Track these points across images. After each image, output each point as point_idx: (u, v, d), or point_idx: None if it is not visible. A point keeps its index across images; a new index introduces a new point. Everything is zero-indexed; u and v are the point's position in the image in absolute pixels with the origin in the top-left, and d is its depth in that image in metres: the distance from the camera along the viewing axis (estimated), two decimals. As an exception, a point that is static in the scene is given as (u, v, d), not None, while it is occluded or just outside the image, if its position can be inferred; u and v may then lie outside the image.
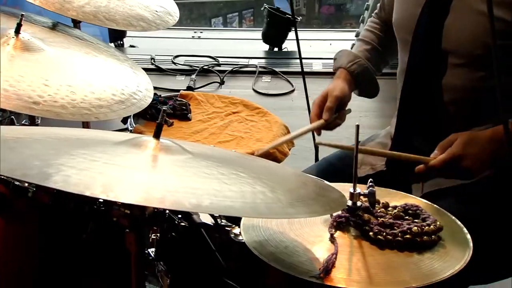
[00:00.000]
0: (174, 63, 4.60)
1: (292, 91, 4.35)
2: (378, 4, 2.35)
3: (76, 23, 2.25)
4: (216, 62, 4.60)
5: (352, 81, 2.21)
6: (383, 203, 1.56)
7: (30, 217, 1.60)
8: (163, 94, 2.68)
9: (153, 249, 1.66)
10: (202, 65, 4.54)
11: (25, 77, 1.65)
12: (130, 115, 2.39)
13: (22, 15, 1.81)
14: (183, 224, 1.60)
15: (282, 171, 1.63)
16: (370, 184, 1.52)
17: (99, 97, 1.73)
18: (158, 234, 1.65)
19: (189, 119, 2.47)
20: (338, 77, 2.22)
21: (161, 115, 1.36)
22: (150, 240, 1.67)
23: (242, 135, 2.33)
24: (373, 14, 2.38)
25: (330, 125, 2.14)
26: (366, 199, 1.51)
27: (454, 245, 1.48)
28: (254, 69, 4.48)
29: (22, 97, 1.58)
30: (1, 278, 1.64)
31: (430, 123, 2.05)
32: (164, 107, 2.44)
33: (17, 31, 1.77)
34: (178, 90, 2.91)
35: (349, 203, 1.49)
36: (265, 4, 5.29)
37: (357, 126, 1.50)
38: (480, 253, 1.49)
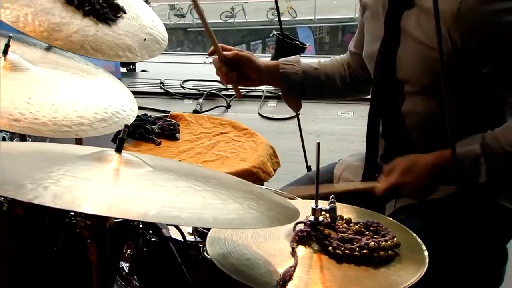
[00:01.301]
0: (183, 87, 4.65)
1: (297, 115, 4.38)
2: (351, 42, 2.39)
3: None
4: (223, 87, 4.64)
5: (275, 73, 2.26)
6: (345, 218, 1.59)
7: (3, 228, 1.64)
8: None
9: (127, 264, 1.72)
10: (209, 90, 4.59)
11: (8, 95, 1.70)
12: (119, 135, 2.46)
13: (10, 36, 1.87)
14: (153, 239, 1.65)
15: (242, 185, 1.65)
16: (332, 200, 1.55)
17: (81, 115, 1.77)
18: (132, 250, 1.70)
19: (177, 139, 2.51)
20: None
21: (122, 130, 1.41)
22: (126, 255, 1.73)
23: (228, 155, 2.36)
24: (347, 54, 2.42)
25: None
26: (327, 214, 1.55)
27: (411, 261, 1.51)
28: (260, 93, 4.51)
29: (4, 114, 1.62)
30: None
31: (395, 147, 2.09)
32: (153, 127, 2.52)
33: (5, 52, 1.82)
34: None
35: (311, 218, 1.52)
36: (274, 31, 5.33)
37: (318, 144, 1.54)
38: (438, 268, 1.53)
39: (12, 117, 1.64)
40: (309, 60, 2.44)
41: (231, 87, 2.29)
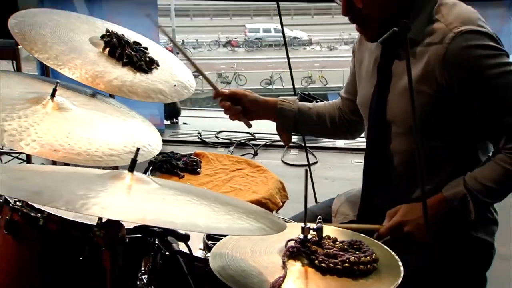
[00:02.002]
0: (217, 137, 4.69)
1: (316, 162, 4.39)
2: (342, 89, 2.38)
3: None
4: (252, 137, 4.66)
5: (273, 110, 2.27)
6: (332, 237, 1.59)
7: (36, 240, 1.65)
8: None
9: (146, 276, 1.72)
10: (240, 139, 4.62)
11: (51, 130, 1.72)
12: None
13: (57, 82, 1.90)
14: (167, 253, 1.65)
15: (238, 203, 1.67)
16: (319, 221, 1.55)
17: (111, 147, 1.79)
18: (151, 263, 1.70)
19: (198, 173, 2.52)
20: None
21: (135, 152, 1.43)
22: (146, 269, 1.74)
23: (241, 188, 2.36)
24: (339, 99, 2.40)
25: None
26: (315, 233, 1.54)
27: (387, 274, 1.50)
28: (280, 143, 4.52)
29: (45, 146, 1.65)
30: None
31: (386, 182, 2.07)
32: (178, 162, 2.54)
33: (52, 95, 1.85)
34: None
35: (301, 236, 1.52)
36: (298, 91, 5.38)
37: (306, 171, 1.55)
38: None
39: (53, 147, 1.65)
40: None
41: (241, 121, 2.28)
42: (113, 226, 1.36)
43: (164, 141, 2.75)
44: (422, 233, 1.90)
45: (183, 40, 26.47)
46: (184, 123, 5.07)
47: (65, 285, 1.62)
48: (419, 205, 1.90)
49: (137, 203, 1.36)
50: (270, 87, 25.45)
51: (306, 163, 4.24)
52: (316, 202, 2.90)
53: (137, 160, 1.44)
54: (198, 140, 4.62)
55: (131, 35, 2.30)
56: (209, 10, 27.94)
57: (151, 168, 2.46)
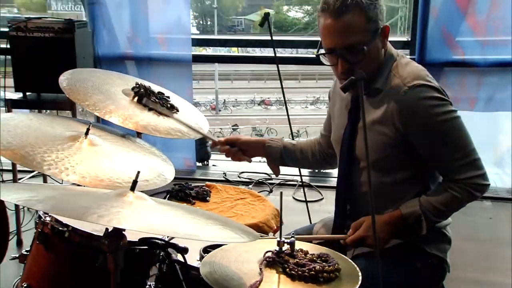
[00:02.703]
0: (239, 177, 4.72)
1: (321, 199, 4.39)
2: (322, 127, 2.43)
3: (139, 133, 2.37)
4: (268, 177, 4.69)
5: (262, 148, 2.32)
6: (304, 250, 1.63)
7: (62, 249, 1.70)
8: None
9: (153, 282, 1.77)
10: (258, 179, 4.66)
11: (83, 161, 1.78)
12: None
13: (90, 123, 1.98)
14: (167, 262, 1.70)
15: (220, 218, 1.72)
16: (292, 236, 1.60)
17: (131, 176, 1.83)
18: (158, 271, 1.76)
19: (207, 201, 2.57)
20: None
21: (136, 174, 1.49)
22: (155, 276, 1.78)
23: (243, 213, 2.40)
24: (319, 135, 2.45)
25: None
26: (289, 246, 1.59)
27: (347, 282, 1.54)
28: (295, 182, 4.53)
29: (76, 173, 1.70)
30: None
31: (355, 208, 2.11)
32: (190, 191, 2.59)
33: (86, 133, 1.93)
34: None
35: (277, 248, 1.57)
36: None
37: (281, 193, 1.60)
38: None
39: (82, 175, 1.71)
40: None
41: (242, 160, 2.35)
42: (116, 235, 1.43)
43: (195, 179, 2.83)
44: (383, 244, 1.95)
45: (224, 100, 26.72)
46: (213, 165, 5.12)
47: (86, 286, 1.67)
48: (379, 219, 1.95)
49: (137, 214, 1.42)
50: (297, 139, 25.32)
51: (313, 199, 4.29)
52: (310, 223, 2.94)
53: (137, 181, 1.51)
54: (223, 179, 4.66)
55: (157, 87, 2.39)
56: (246, 74, 28.22)
57: (168, 195, 2.53)
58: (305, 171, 4.85)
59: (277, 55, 3.33)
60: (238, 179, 4.70)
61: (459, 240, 3.67)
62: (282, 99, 3.33)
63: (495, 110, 4.40)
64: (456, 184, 1.92)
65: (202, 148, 5.02)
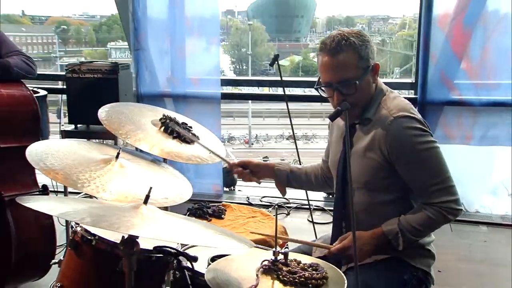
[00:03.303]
0: (261, 201, 4.70)
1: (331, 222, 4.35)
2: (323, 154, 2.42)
3: (165, 159, 2.39)
4: (287, 201, 4.66)
5: (271, 170, 2.32)
6: (297, 260, 1.63)
7: (89, 255, 1.74)
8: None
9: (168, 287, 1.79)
10: (277, 203, 4.64)
11: (111, 180, 1.82)
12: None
13: (120, 148, 2.02)
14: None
15: (222, 230, 1.74)
16: (286, 246, 1.61)
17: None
18: (172, 277, 1.77)
19: (222, 219, 2.57)
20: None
21: (148, 190, 1.52)
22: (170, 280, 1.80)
23: (252, 230, 2.40)
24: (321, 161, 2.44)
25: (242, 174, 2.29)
26: (283, 255, 1.60)
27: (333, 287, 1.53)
28: (309, 206, 4.48)
29: (105, 189, 1.74)
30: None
31: (349, 225, 2.09)
32: (208, 210, 2.61)
33: (117, 157, 1.97)
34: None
35: (273, 257, 1.58)
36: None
37: (276, 208, 1.61)
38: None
39: (110, 192, 1.74)
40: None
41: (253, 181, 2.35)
42: (130, 242, 1.46)
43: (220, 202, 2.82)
44: (361, 256, 1.96)
45: (256, 134, 26.85)
46: (239, 190, 5.12)
47: (107, 287, 1.70)
48: (364, 234, 1.96)
49: (145, 223, 1.46)
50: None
51: (325, 221, 4.26)
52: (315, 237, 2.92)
53: (150, 195, 1.54)
54: (246, 202, 4.65)
55: (182, 118, 2.44)
56: (276, 112, 28.33)
57: (188, 213, 2.55)
58: (320, 197, 4.82)
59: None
60: (260, 202, 4.68)
61: (454, 260, 3.65)
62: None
63: (489, 144, 4.35)
64: (432, 206, 1.92)
65: (229, 175, 5.03)
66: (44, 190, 2.87)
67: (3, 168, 2.72)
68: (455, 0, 4.26)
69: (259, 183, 2.34)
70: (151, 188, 1.56)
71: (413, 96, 4.52)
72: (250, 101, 24.42)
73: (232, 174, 5.01)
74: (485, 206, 4.52)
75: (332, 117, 1.77)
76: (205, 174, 4.85)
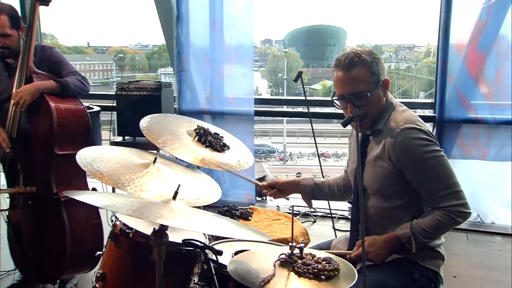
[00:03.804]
0: (289, 209, 4.67)
1: (356, 229, 4.29)
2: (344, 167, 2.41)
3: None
4: (314, 210, 4.62)
5: (298, 187, 2.32)
6: (312, 254, 1.63)
7: (127, 246, 1.79)
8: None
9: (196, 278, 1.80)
10: (305, 211, 4.61)
11: (148, 181, 1.86)
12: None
13: (157, 153, 2.07)
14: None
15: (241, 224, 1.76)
16: (301, 242, 1.61)
17: (183, 194, 1.89)
18: (200, 269, 1.79)
19: (249, 220, 2.59)
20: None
21: (177, 187, 1.55)
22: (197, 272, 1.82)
23: (276, 230, 2.41)
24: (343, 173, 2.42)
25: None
26: (298, 250, 1.60)
27: (344, 281, 1.53)
28: (334, 215, 4.46)
29: (142, 189, 1.78)
30: (113, 276, 1.81)
31: (365, 227, 2.06)
32: (236, 212, 2.62)
33: (154, 162, 2.01)
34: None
35: (289, 251, 1.59)
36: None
37: (292, 207, 1.62)
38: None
39: (147, 191, 1.78)
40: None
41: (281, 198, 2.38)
42: (160, 234, 1.49)
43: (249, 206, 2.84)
44: (379, 259, 1.94)
45: (290, 152, 26.80)
46: (270, 199, 5.10)
47: (144, 275, 1.72)
48: (379, 238, 1.94)
49: (172, 215, 1.48)
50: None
51: (348, 229, 4.20)
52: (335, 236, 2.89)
53: (178, 192, 1.57)
54: (275, 209, 4.64)
55: (214, 129, 2.47)
56: (309, 132, 28.29)
57: (218, 214, 2.56)
58: (344, 206, 4.77)
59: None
60: (289, 211, 4.66)
61: (469, 267, 3.56)
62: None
63: (503, 160, 4.25)
64: (441, 210, 1.89)
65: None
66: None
67: (60, 172, 2.81)
68: (471, 27, 4.21)
69: (288, 199, 2.36)
70: (179, 185, 1.60)
71: (432, 114, 4.46)
72: (285, 121, 24.48)
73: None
74: (500, 218, 4.40)
75: (345, 124, 1.78)
76: (239, 184, 4.88)
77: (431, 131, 1.95)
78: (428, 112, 4.63)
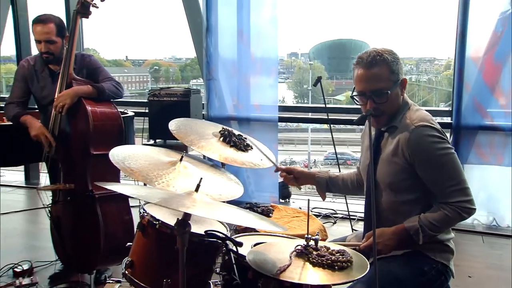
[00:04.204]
0: (311, 211, 4.65)
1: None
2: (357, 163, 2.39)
3: (223, 164, 2.43)
4: (334, 212, 4.60)
5: (313, 178, 2.30)
6: (327, 246, 1.63)
7: (153, 236, 1.81)
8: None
9: (218, 268, 1.81)
10: (325, 213, 4.57)
11: (175, 177, 1.89)
12: None
13: (184, 152, 2.09)
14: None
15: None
16: (316, 235, 1.61)
17: (207, 191, 1.91)
18: (222, 259, 1.80)
19: (270, 217, 2.58)
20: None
21: (199, 180, 1.57)
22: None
23: (295, 227, 2.40)
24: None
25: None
26: (313, 242, 1.60)
27: (356, 271, 1.53)
28: (354, 217, 4.42)
29: (169, 185, 1.81)
30: (141, 263, 1.83)
31: (378, 221, 2.04)
32: (258, 209, 2.61)
33: (180, 160, 2.04)
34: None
35: (304, 242, 1.59)
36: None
37: (308, 200, 1.62)
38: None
39: (173, 185, 1.81)
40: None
41: (294, 186, 2.36)
42: (183, 223, 1.51)
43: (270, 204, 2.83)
44: (387, 250, 1.93)
45: (315, 159, 26.64)
46: (293, 202, 5.09)
47: (169, 263, 1.74)
48: (387, 230, 1.93)
49: (199, 207, 1.50)
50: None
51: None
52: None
53: (200, 185, 1.59)
54: (299, 209, 4.61)
55: (237, 132, 2.48)
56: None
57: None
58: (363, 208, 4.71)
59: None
60: (311, 213, 4.63)
61: (485, 268, 3.48)
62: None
63: (518, 165, 4.16)
64: (449, 205, 1.87)
65: (285, 188, 5.04)
66: (126, 190, 2.99)
67: (95, 171, 2.86)
68: (487, 38, 4.15)
69: (300, 189, 2.34)
70: (201, 178, 1.62)
71: (449, 121, 4.41)
72: (310, 130, 24.37)
73: (288, 188, 5.03)
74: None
75: (358, 122, 1.78)
76: (264, 187, 4.89)
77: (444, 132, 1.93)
78: (446, 119, 4.56)
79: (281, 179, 2.39)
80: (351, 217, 4.24)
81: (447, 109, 4.82)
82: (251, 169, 4.86)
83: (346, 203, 3.38)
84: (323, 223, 4.25)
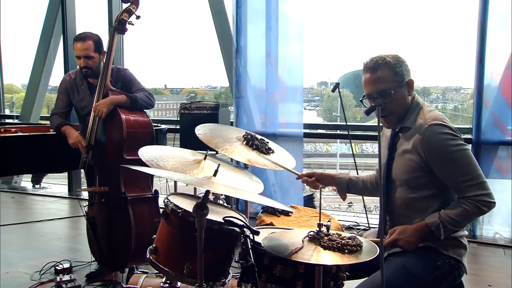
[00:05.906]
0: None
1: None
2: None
3: (246, 166, 2.46)
4: (356, 224, 4.52)
5: (334, 179, 2.27)
6: (338, 233, 1.63)
7: (176, 223, 1.84)
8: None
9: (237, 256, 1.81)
10: (348, 225, 4.49)
11: (199, 174, 1.92)
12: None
13: (207, 152, 2.14)
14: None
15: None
16: (328, 221, 1.61)
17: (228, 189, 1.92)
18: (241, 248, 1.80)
19: (289, 216, 2.58)
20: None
21: (217, 166, 1.59)
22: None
23: (313, 225, 2.37)
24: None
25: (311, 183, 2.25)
26: (325, 227, 1.60)
27: (366, 253, 1.53)
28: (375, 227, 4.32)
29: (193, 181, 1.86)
30: (164, 249, 1.86)
31: (392, 218, 2.04)
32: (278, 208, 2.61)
33: (204, 159, 2.08)
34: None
35: (317, 228, 1.59)
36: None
37: (320, 189, 1.63)
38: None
39: (198, 181, 1.82)
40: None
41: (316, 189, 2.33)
42: (201, 207, 1.54)
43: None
44: (409, 246, 1.90)
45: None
46: (315, 204, 5.03)
47: (191, 248, 1.73)
48: (409, 227, 1.92)
49: (217, 186, 1.53)
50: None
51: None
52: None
53: (218, 170, 1.62)
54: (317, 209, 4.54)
55: (259, 136, 2.52)
56: (360, 166, 27.61)
57: (262, 210, 2.58)
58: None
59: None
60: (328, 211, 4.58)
61: (505, 278, 3.37)
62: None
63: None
64: (467, 200, 1.83)
65: (310, 202, 5.00)
66: (155, 194, 3.05)
67: (128, 175, 2.94)
68: (506, 56, 4.10)
69: (318, 189, 2.33)
70: (219, 164, 1.65)
71: (470, 137, 4.33)
72: (338, 155, 24.13)
73: (313, 202, 4.98)
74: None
75: (368, 112, 1.79)
76: (289, 198, 4.86)
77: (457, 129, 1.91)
78: (466, 136, 4.48)
79: (306, 194, 2.39)
80: (370, 227, 4.17)
81: (467, 126, 4.75)
82: (277, 184, 4.88)
83: (366, 216, 3.33)
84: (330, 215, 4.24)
